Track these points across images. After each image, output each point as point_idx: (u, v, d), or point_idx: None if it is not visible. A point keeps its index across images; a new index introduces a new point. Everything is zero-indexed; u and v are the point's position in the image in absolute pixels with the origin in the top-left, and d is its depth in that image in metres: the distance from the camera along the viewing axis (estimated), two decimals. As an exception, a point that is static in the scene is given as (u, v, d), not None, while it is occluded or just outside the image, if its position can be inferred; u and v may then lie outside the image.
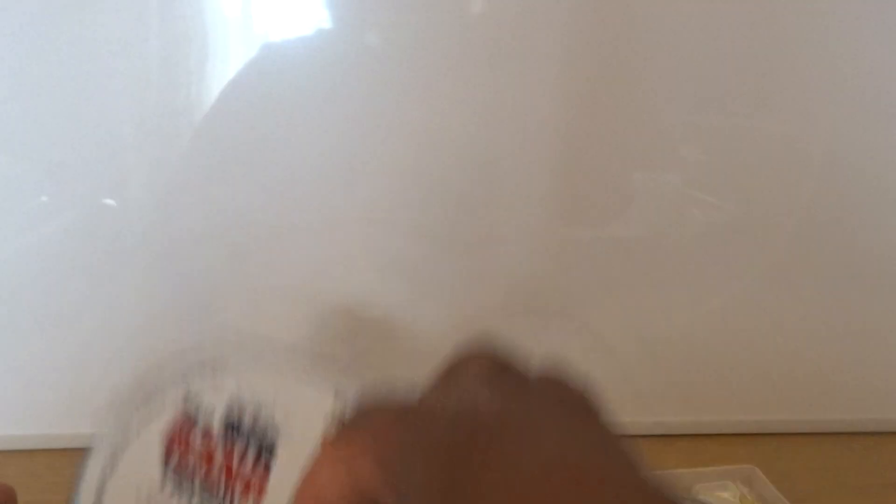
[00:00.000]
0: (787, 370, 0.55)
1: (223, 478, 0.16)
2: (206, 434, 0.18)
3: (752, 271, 0.53)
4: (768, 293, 0.54)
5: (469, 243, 0.52)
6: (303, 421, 0.18)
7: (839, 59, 0.48)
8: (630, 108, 0.49)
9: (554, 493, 0.16)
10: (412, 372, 0.58)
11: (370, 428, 0.21)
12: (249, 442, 0.17)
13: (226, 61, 0.48)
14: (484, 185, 0.51)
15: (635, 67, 0.48)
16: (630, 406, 0.56)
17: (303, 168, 0.50)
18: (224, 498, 0.17)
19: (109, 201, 0.51)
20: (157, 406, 0.19)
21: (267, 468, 0.17)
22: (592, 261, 0.53)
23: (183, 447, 0.18)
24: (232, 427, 0.17)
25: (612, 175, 0.51)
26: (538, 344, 0.54)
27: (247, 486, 0.17)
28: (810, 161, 0.50)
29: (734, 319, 0.54)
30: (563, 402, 0.20)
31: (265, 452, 0.17)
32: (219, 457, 0.17)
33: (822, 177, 0.51)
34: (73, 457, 0.55)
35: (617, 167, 0.51)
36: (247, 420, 0.17)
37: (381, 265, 0.53)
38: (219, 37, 0.47)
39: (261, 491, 0.17)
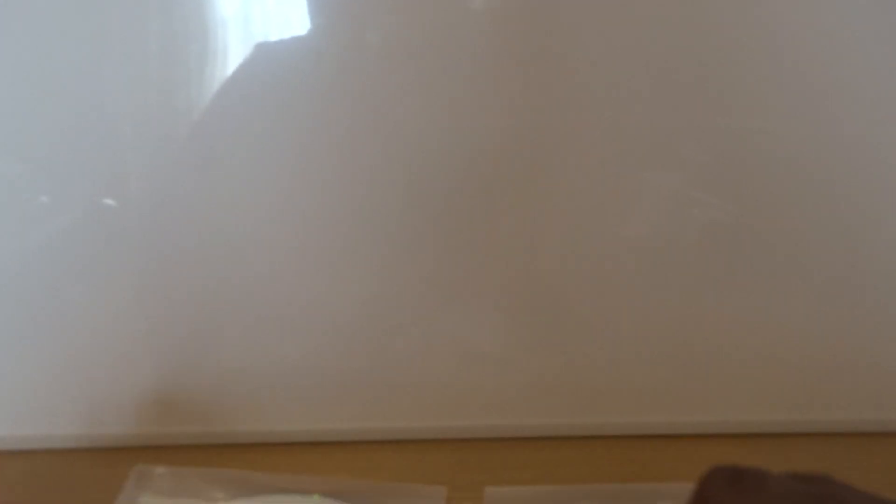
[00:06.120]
0: (787, 370, 0.55)
1: None
2: None
3: (752, 271, 0.53)
4: (768, 293, 0.54)
5: (469, 243, 0.52)
6: None
7: (840, 57, 0.48)
8: (631, 107, 0.49)
9: None
10: (406, 374, 0.58)
11: None
12: None
13: (226, 61, 0.48)
14: (484, 184, 0.51)
15: (636, 66, 0.48)
16: (629, 405, 0.56)
17: (303, 168, 0.50)
18: None
19: (109, 201, 0.51)
20: None
21: None
22: (592, 260, 0.53)
23: None
24: None
25: (613, 175, 0.51)
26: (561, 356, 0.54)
27: None
28: (811, 161, 0.50)
29: (734, 319, 0.54)
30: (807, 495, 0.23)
31: None
32: None
33: (824, 176, 0.51)
34: (73, 457, 0.55)
35: (617, 167, 0.51)
36: None
37: (379, 263, 0.53)
38: (219, 37, 0.48)
39: None
